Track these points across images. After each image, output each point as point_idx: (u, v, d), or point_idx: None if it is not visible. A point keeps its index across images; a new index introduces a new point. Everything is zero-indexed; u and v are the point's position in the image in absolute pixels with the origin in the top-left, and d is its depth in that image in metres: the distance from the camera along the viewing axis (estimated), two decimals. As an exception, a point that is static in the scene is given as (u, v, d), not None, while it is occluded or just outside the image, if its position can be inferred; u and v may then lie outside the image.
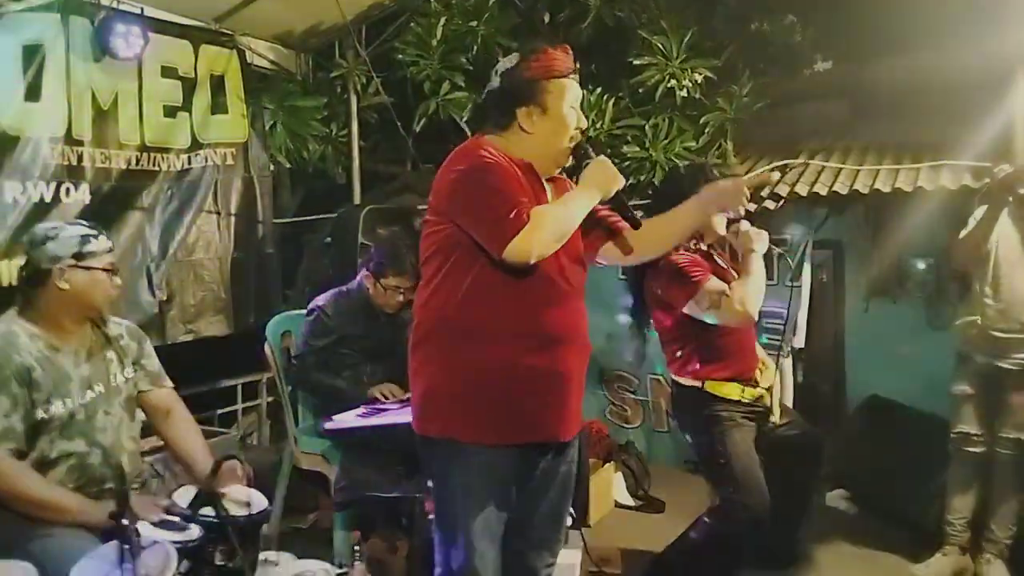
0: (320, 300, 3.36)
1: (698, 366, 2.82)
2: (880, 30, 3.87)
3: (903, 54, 3.81)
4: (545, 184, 2.11)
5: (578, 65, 2.12)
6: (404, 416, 2.78)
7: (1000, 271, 3.02)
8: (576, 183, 2.13)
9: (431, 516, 2.11)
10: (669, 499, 3.95)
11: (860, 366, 4.24)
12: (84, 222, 2.35)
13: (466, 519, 2.00)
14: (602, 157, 2.12)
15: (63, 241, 2.19)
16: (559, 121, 2.06)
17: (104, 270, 2.23)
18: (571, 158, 2.13)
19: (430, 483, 2.09)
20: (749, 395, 2.83)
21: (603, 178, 2.07)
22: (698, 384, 2.81)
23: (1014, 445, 3.03)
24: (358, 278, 3.40)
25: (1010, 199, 2.92)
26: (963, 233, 3.06)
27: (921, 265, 4.03)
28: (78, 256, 2.19)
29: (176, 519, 2.05)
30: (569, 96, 2.07)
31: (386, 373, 3.27)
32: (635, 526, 3.73)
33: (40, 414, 2.10)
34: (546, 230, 1.93)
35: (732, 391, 2.80)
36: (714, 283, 2.70)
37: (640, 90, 3.97)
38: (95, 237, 2.23)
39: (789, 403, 3.59)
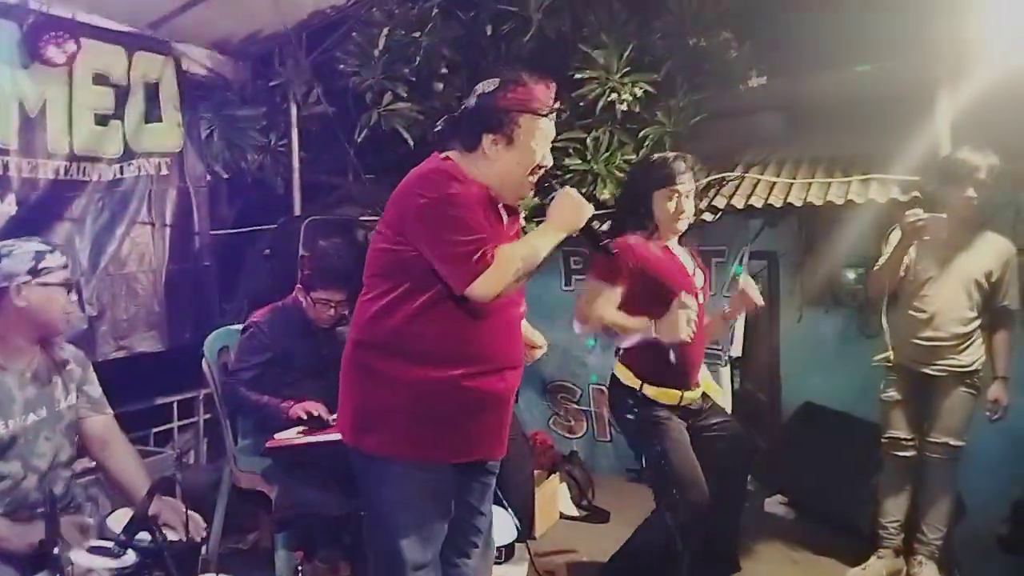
0: (256, 316, 3.30)
1: (640, 367, 2.82)
2: (813, 46, 3.98)
3: (835, 69, 3.93)
4: (503, 212, 2.10)
5: (558, 104, 2.10)
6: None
7: (923, 285, 3.14)
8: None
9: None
10: (613, 508, 3.98)
11: (795, 374, 4.36)
12: (36, 237, 2.29)
13: (403, 535, 2.02)
14: (568, 189, 2.12)
15: (18, 258, 2.14)
16: (523, 155, 2.05)
17: (60, 286, 2.19)
18: (532, 191, 2.13)
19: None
20: (688, 399, 2.86)
21: (570, 213, 2.07)
22: (635, 386, 2.82)
23: (942, 449, 3.14)
24: (293, 292, 3.35)
25: (916, 242, 3.06)
26: (877, 264, 3.19)
27: (852, 275, 4.17)
28: (34, 272, 2.14)
29: (110, 545, 1.98)
30: (539, 134, 2.05)
31: (326, 391, 3.19)
32: (581, 536, 3.74)
33: None
34: (509, 272, 1.95)
35: (671, 397, 2.82)
36: (603, 287, 2.72)
37: (581, 104, 4.01)
38: (50, 252, 2.19)
39: (728, 410, 3.65)
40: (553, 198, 2.10)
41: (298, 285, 3.33)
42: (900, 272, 3.14)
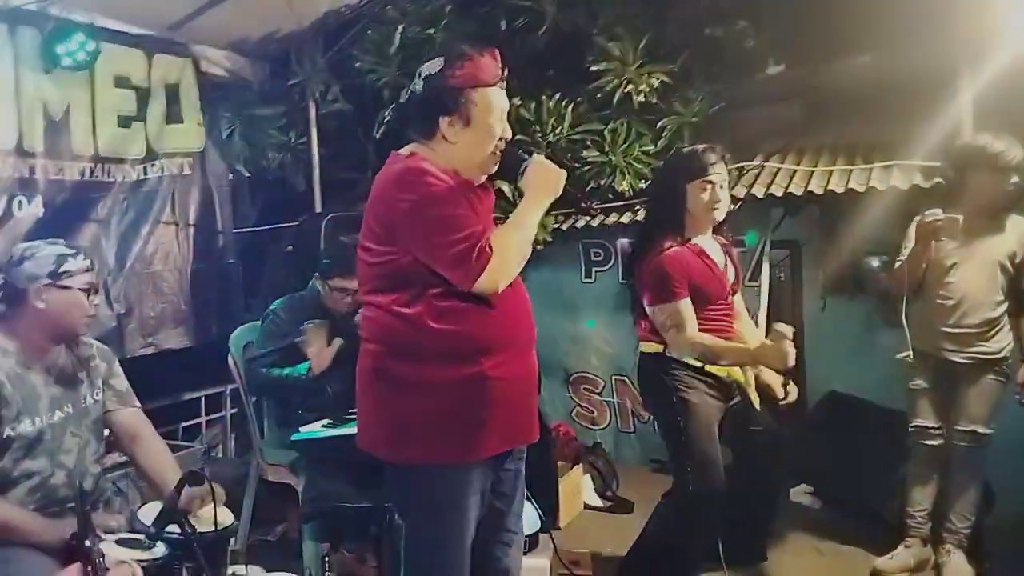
0: (273, 305, 3.36)
1: None
2: (830, 33, 3.94)
3: (853, 56, 3.90)
4: (478, 192, 2.08)
5: (505, 71, 2.05)
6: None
7: (947, 272, 3.10)
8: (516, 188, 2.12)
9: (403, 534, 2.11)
10: (637, 499, 3.97)
11: (819, 363, 4.31)
12: (63, 241, 2.32)
13: (450, 538, 2.01)
14: (539, 158, 2.08)
15: (40, 260, 2.17)
16: (482, 132, 2.01)
17: (81, 289, 2.21)
18: (497, 165, 2.09)
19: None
20: (719, 370, 2.82)
21: (547, 180, 2.04)
22: (661, 348, 2.80)
23: (969, 437, 3.10)
24: (311, 282, 3.40)
25: (934, 243, 3.03)
26: (898, 262, 3.17)
27: (875, 262, 4.12)
28: (54, 275, 2.16)
29: (141, 537, 2.02)
30: (494, 106, 2.01)
31: (341, 379, 3.22)
32: (605, 527, 3.75)
33: (7, 431, 2.06)
34: (511, 259, 1.95)
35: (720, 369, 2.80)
36: (682, 308, 2.70)
37: (598, 95, 4.01)
38: (72, 256, 2.21)
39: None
40: (526, 169, 2.05)
41: (315, 274, 3.37)
42: (921, 269, 3.10)
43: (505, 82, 2.06)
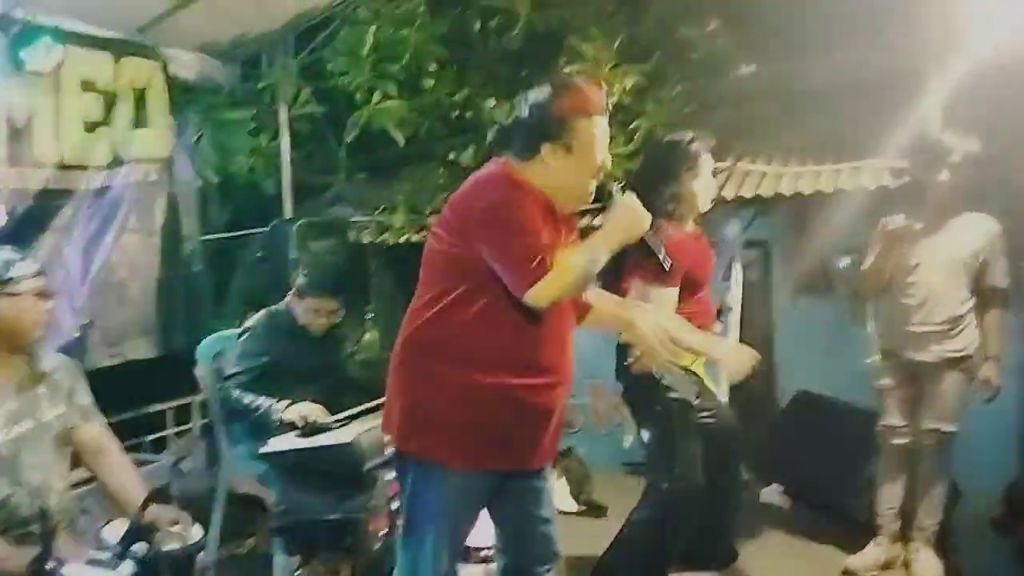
0: (251, 321, 3.30)
1: None
2: (801, 34, 3.98)
3: (822, 57, 3.93)
4: (560, 221, 2.08)
5: (609, 104, 2.08)
6: (342, 436, 2.77)
7: (911, 272, 3.14)
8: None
9: (381, 532, 2.12)
10: (611, 502, 3.99)
11: (790, 362, 4.36)
12: (8, 246, 2.27)
13: (435, 535, 2.05)
14: (628, 197, 2.07)
15: None
16: (584, 160, 2.02)
17: (35, 295, 2.16)
18: (593, 197, 2.09)
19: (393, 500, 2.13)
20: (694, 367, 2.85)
21: (628, 222, 2.05)
22: None
23: (936, 435, 3.14)
24: (288, 298, 3.35)
25: (895, 249, 3.09)
26: (864, 266, 3.21)
27: (845, 262, 4.17)
28: (1, 282, 2.11)
29: (106, 557, 1.98)
30: (597, 136, 2.02)
31: (319, 396, 3.17)
32: (578, 531, 3.74)
33: None
34: (568, 281, 1.95)
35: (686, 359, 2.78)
36: (673, 295, 2.70)
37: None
38: (20, 261, 2.16)
39: (724, 400, 3.66)
40: (612, 203, 2.07)
41: (292, 291, 3.33)
42: (885, 274, 3.16)
43: (607, 112, 2.06)
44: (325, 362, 3.21)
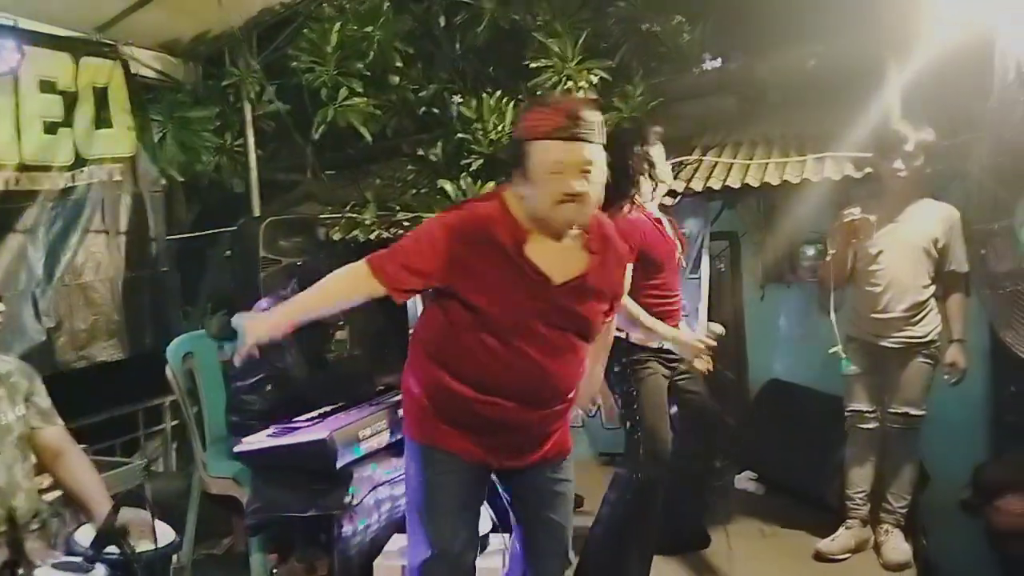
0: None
1: None
2: (765, 28, 4.03)
3: (787, 50, 3.98)
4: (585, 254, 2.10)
5: (579, 123, 1.93)
6: (316, 434, 2.76)
7: (873, 259, 3.20)
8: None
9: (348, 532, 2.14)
10: (587, 493, 4.00)
11: (760, 351, 4.41)
12: None
13: (437, 508, 2.13)
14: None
15: None
16: (538, 186, 1.96)
17: None
18: (571, 223, 2.04)
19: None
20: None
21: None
22: (622, 334, 2.85)
23: (903, 419, 3.21)
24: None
25: (853, 241, 3.16)
26: (827, 258, 3.27)
27: (811, 251, 4.23)
28: None
29: (79, 560, 1.96)
30: (549, 160, 1.93)
31: (296, 393, 3.16)
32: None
33: None
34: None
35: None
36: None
37: (538, 92, 4.00)
38: None
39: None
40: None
41: (281, 291, 3.29)
42: (847, 265, 3.23)
43: (577, 139, 1.94)
44: (299, 360, 3.18)
